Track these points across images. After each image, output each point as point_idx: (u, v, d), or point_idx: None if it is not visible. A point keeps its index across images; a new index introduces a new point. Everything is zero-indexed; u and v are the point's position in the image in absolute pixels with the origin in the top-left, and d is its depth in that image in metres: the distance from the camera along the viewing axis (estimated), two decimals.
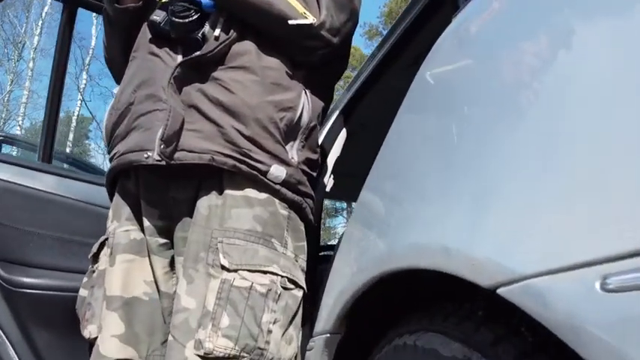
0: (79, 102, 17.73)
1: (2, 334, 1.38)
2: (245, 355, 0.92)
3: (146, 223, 1.10)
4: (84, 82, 17.59)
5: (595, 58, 0.50)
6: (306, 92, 1.12)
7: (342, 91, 1.76)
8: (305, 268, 1.09)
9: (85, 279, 1.18)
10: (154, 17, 1.07)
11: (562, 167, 0.49)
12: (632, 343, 0.37)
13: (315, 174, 1.19)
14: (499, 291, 0.48)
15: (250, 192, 1.03)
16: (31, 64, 17.44)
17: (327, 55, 1.15)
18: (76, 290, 1.18)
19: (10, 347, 1.37)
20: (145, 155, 1.00)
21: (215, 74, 1.04)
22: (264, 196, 1.04)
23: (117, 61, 1.27)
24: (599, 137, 0.46)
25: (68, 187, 1.56)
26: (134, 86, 1.09)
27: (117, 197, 1.16)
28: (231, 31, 1.06)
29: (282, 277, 0.99)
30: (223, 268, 0.96)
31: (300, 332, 1.05)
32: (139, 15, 1.15)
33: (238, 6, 1.07)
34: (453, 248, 0.57)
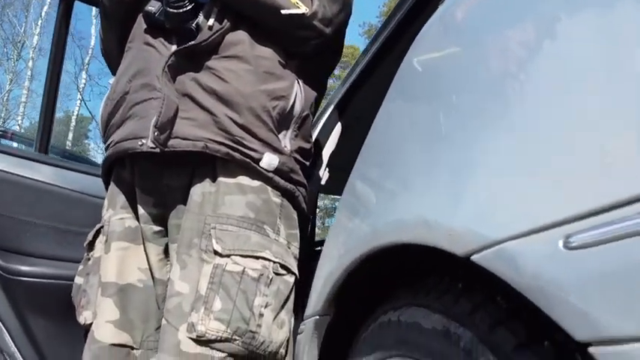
0: (79, 101, 17.76)
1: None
2: (237, 337, 0.94)
3: (141, 210, 1.12)
4: (83, 81, 17.63)
5: (581, 45, 0.51)
6: (298, 82, 1.14)
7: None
8: (297, 256, 1.11)
9: (81, 267, 1.20)
10: (149, 8, 1.09)
11: (528, 137, 0.51)
12: (593, 298, 0.39)
13: (308, 163, 1.20)
14: (473, 258, 0.50)
15: (243, 179, 1.05)
16: (30, 64, 17.48)
17: (320, 45, 1.17)
18: (72, 278, 1.20)
19: (7, 334, 1.39)
20: (140, 143, 1.01)
21: (209, 63, 1.06)
22: (256, 183, 1.06)
23: (113, 53, 1.29)
24: (563, 107, 0.49)
25: (64, 177, 1.57)
26: (129, 76, 1.10)
27: (112, 186, 1.18)
28: (225, 21, 1.08)
29: (274, 262, 1.01)
30: (216, 253, 0.98)
31: (293, 317, 1.06)
32: (134, 6, 1.16)
33: None
34: (431, 220, 0.59)
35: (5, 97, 17.90)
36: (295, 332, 1.08)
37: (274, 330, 0.99)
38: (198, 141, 1.01)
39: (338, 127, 1.54)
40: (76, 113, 18.09)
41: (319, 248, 1.64)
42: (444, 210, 0.58)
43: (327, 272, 0.87)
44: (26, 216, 1.49)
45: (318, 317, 0.92)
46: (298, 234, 1.13)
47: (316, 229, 2.20)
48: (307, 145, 1.18)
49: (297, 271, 1.06)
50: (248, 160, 1.03)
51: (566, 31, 0.56)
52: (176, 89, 1.04)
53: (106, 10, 1.22)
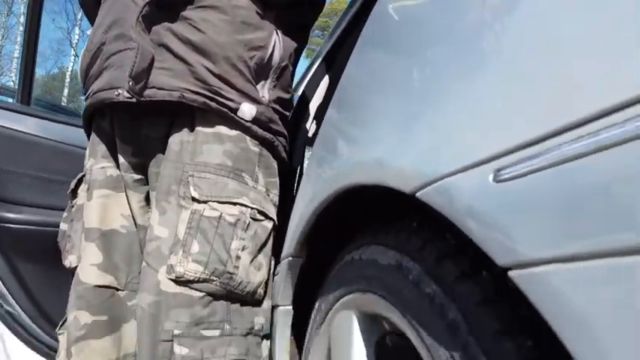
0: (72, 57, 17.51)
1: None
2: (215, 278, 0.97)
3: (121, 159, 1.14)
4: (77, 37, 17.32)
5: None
6: (277, 32, 1.14)
7: None
8: (277, 203, 1.14)
9: (65, 214, 1.23)
10: None
11: (467, 82, 0.53)
12: (514, 226, 0.42)
13: (288, 113, 1.22)
14: (418, 194, 0.53)
15: (221, 129, 1.06)
16: (22, 19, 17.12)
17: None
18: (57, 225, 1.23)
19: None
20: (116, 93, 1.02)
21: (184, 13, 1.05)
22: (234, 132, 1.07)
23: (90, 4, 1.29)
24: (496, 48, 0.50)
25: (46, 128, 1.59)
26: (105, 27, 1.10)
27: (93, 136, 1.19)
28: None
29: (251, 208, 1.04)
30: (194, 199, 1.01)
31: (272, 261, 1.10)
32: None
33: None
34: (384, 159, 0.62)
35: None
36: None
37: (252, 272, 1.02)
38: (174, 91, 1.02)
39: (325, 80, 1.55)
40: (70, 69, 17.87)
41: None
42: (395, 151, 0.60)
43: (298, 216, 0.90)
44: (10, 166, 1.51)
45: (291, 258, 0.96)
46: (278, 182, 1.16)
47: None
48: (286, 95, 1.19)
49: (275, 217, 1.09)
50: (225, 109, 1.05)
51: None
52: (151, 39, 1.04)
53: None
